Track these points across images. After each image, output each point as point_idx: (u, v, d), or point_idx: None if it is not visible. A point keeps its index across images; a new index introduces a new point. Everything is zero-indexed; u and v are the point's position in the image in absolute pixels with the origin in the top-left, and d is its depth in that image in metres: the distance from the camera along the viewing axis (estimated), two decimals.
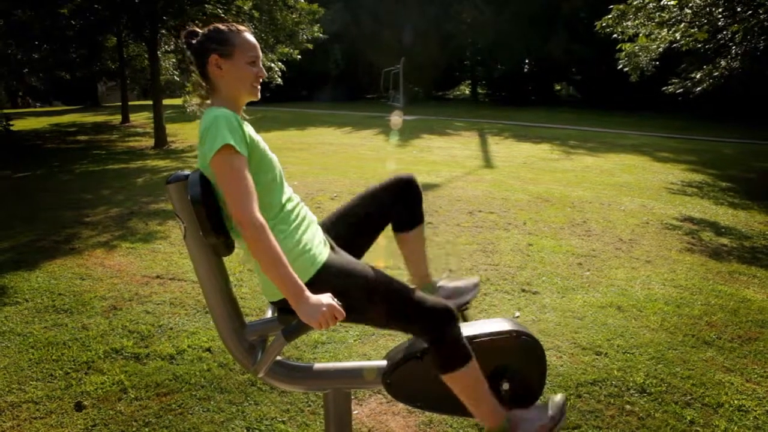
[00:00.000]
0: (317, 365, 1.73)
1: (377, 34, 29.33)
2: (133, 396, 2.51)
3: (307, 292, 1.39)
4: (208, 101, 1.66)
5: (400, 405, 2.42)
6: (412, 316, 1.55)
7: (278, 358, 1.66)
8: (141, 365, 2.78)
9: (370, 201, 1.86)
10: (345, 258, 1.64)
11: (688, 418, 2.38)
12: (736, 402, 2.51)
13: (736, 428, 2.32)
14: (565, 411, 1.64)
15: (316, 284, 1.51)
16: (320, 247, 1.60)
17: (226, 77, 1.57)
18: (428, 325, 1.55)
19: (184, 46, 1.64)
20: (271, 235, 1.39)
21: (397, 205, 1.85)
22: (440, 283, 1.95)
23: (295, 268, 1.48)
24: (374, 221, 1.86)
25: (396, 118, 18.96)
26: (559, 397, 1.68)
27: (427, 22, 28.62)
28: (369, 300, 1.55)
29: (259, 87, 1.61)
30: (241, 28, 1.61)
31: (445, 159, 10.30)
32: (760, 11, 8.19)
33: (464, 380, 1.56)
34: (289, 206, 1.61)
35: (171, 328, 3.18)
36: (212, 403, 2.46)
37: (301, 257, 1.54)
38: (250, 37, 1.60)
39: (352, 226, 1.84)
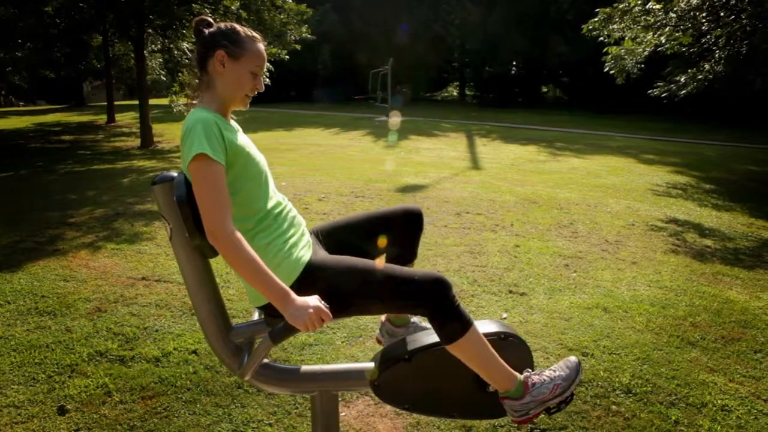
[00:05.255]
0: (304, 367, 1.72)
1: (365, 35, 29.36)
2: (117, 399, 2.48)
3: (293, 295, 1.37)
4: (195, 101, 1.63)
5: (388, 407, 2.42)
6: (406, 293, 1.50)
7: (265, 360, 1.65)
8: (126, 368, 2.75)
9: (377, 222, 1.81)
10: (330, 255, 1.63)
11: (673, 418, 2.41)
12: (719, 402, 2.54)
13: (719, 428, 2.35)
14: (580, 370, 1.61)
15: (306, 283, 1.50)
16: (306, 249, 1.59)
17: (225, 77, 1.54)
18: (424, 299, 1.50)
19: (196, 35, 1.59)
20: (246, 244, 1.37)
21: (399, 237, 1.81)
22: (413, 320, 1.93)
23: (283, 269, 1.47)
24: (373, 244, 1.81)
25: (394, 118, 18.97)
26: (573, 358, 1.65)
27: (415, 23, 28.70)
28: (363, 289, 1.52)
29: (250, 99, 1.59)
30: (257, 36, 1.58)
31: (432, 160, 10.32)
32: (743, 16, 8.32)
33: (470, 347, 1.52)
34: (276, 210, 1.59)
35: (156, 331, 3.15)
36: (198, 406, 2.44)
37: (287, 259, 1.53)
38: (262, 48, 1.58)
39: (353, 239, 1.80)
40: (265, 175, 1.59)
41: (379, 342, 1.98)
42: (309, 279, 1.52)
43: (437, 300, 1.48)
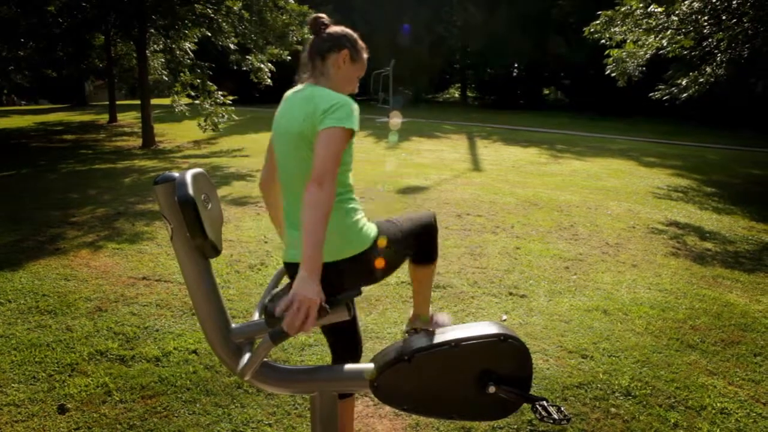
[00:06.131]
0: (304, 367, 1.72)
1: (367, 37, 29.18)
2: (117, 398, 2.49)
3: (318, 276, 1.38)
4: (307, 80, 1.79)
5: (387, 408, 2.42)
6: (418, 236, 1.89)
7: (265, 360, 1.65)
8: (126, 367, 2.75)
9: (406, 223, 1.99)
10: (383, 224, 1.86)
11: (672, 420, 2.41)
12: (718, 405, 2.54)
13: (718, 431, 2.35)
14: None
15: (374, 248, 1.72)
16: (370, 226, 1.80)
17: (342, 73, 1.77)
18: (426, 233, 1.92)
19: (312, 28, 1.79)
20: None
21: (421, 237, 1.97)
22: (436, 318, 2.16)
23: (359, 236, 1.69)
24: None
25: (396, 120, 18.97)
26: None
27: (417, 24, 28.69)
28: (402, 249, 1.86)
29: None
30: (366, 48, 1.86)
31: (434, 162, 10.33)
32: (744, 20, 8.32)
33: (432, 271, 2.01)
34: (353, 188, 1.81)
35: (157, 330, 3.16)
36: (198, 405, 2.45)
37: (364, 227, 1.73)
38: (367, 59, 1.87)
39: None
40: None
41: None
42: (371, 251, 1.72)
43: (432, 231, 1.96)
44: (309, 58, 1.78)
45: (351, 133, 1.58)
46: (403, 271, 4.17)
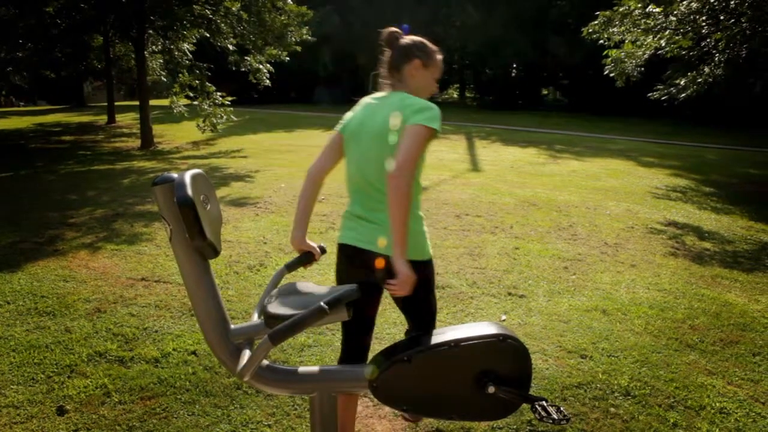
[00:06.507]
0: (303, 368, 1.72)
1: (366, 37, 29.36)
2: (116, 400, 2.48)
3: (405, 257, 1.67)
4: (390, 88, 1.94)
5: (387, 408, 2.42)
6: (430, 312, 1.97)
7: (264, 361, 1.65)
8: (125, 368, 2.75)
9: None
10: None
11: (671, 420, 2.41)
12: (717, 404, 2.54)
13: (718, 430, 2.36)
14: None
15: (426, 265, 1.84)
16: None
17: (417, 80, 1.91)
18: (430, 322, 1.98)
19: (387, 42, 1.92)
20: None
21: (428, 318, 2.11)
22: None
23: (418, 245, 1.80)
24: None
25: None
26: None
27: (416, 25, 28.65)
28: (428, 292, 1.93)
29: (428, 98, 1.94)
30: (438, 50, 1.96)
31: (432, 162, 10.33)
32: (743, 20, 8.34)
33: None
34: (421, 190, 1.91)
35: (156, 331, 3.15)
36: (197, 406, 2.44)
37: (423, 241, 1.84)
38: (441, 60, 1.97)
39: None
40: None
41: None
42: (427, 266, 1.86)
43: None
44: (387, 71, 1.95)
45: (434, 133, 1.76)
46: None
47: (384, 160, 1.77)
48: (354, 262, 1.87)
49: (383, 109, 1.84)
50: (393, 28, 1.97)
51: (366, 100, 1.97)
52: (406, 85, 1.91)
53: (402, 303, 1.93)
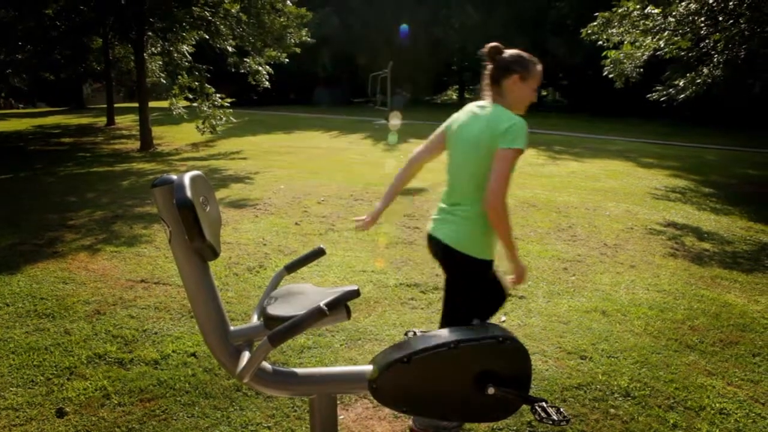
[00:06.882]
0: (303, 370, 1.72)
1: (365, 38, 29.40)
2: (116, 402, 2.48)
3: (517, 256, 2.09)
4: (488, 100, 2.11)
5: (387, 410, 2.42)
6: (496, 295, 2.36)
7: (264, 363, 1.65)
8: (124, 370, 2.75)
9: None
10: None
11: (671, 421, 2.41)
12: (717, 405, 2.54)
13: (717, 431, 2.36)
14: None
15: (480, 264, 2.11)
16: None
17: (516, 93, 2.05)
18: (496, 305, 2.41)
19: (488, 56, 2.09)
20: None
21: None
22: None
23: (479, 245, 2.08)
24: None
25: (395, 121, 18.98)
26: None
27: (415, 26, 28.73)
28: (472, 288, 2.21)
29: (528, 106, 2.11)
30: (537, 60, 2.07)
31: (432, 163, 10.31)
32: (741, 21, 8.35)
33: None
34: None
35: (155, 333, 3.15)
36: (197, 408, 2.44)
37: (488, 244, 2.11)
38: (540, 69, 2.07)
39: None
40: None
41: None
42: (481, 264, 2.12)
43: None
44: (488, 83, 2.10)
45: (520, 152, 1.96)
46: (402, 273, 4.16)
47: (470, 167, 2.05)
48: (431, 246, 2.26)
49: (479, 121, 2.03)
50: (495, 43, 2.10)
51: (470, 106, 2.15)
52: (505, 97, 2.06)
53: (448, 292, 2.30)
